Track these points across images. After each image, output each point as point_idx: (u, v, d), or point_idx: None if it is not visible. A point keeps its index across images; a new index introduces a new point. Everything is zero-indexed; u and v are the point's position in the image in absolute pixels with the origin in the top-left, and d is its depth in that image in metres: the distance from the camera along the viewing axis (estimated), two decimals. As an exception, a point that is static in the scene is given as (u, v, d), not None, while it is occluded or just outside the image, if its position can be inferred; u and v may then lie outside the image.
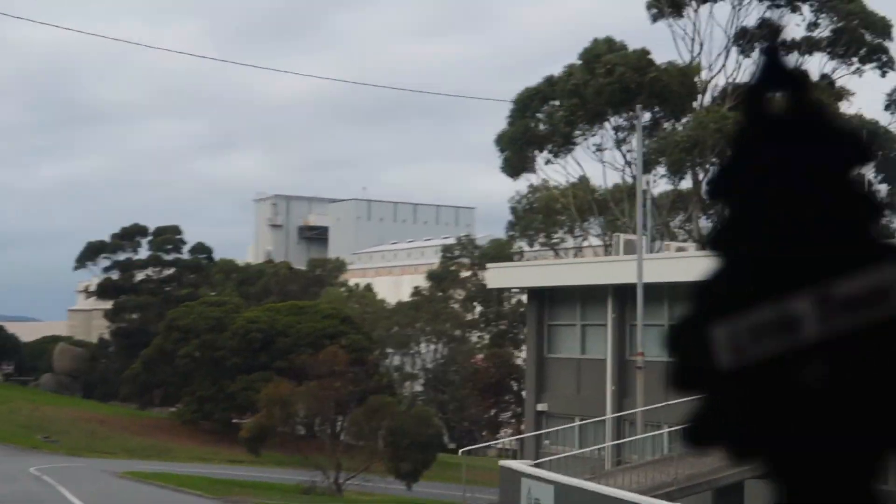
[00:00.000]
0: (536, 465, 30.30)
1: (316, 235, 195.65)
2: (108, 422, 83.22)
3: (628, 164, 65.13)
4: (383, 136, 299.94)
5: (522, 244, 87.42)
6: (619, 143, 65.66)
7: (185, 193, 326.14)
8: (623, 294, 39.08)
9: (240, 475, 58.93)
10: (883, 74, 61.90)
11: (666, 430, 31.61)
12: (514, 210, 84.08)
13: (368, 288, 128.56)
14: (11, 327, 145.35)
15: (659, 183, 64.45)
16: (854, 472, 1.11)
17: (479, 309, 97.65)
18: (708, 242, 1.22)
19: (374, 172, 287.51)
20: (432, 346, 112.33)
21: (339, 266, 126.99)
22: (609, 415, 37.69)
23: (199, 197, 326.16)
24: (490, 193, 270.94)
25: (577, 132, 65.61)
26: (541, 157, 65.28)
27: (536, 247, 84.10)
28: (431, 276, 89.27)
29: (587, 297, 41.82)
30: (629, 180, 63.93)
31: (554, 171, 70.69)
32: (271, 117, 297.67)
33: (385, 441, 41.11)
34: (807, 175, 1.15)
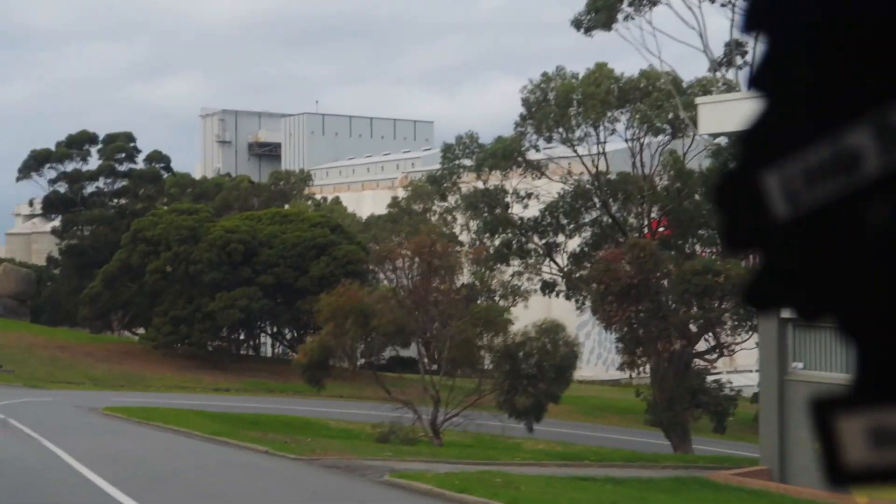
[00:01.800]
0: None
1: (267, 152, 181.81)
2: (67, 348, 70.33)
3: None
4: (326, 56, 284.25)
5: (537, 141, 75.84)
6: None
7: (123, 119, 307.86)
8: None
9: (261, 409, 47.10)
10: None
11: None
12: (525, 102, 71.74)
13: (337, 201, 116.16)
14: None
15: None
16: None
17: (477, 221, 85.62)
18: (749, 83, 1.02)
19: (320, 94, 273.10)
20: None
21: (304, 179, 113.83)
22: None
23: (136, 123, 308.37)
24: (437, 115, 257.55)
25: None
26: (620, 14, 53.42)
27: (554, 144, 72.29)
28: (430, 179, 76.66)
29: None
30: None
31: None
32: (208, 41, 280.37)
33: (495, 366, 29.42)
34: None
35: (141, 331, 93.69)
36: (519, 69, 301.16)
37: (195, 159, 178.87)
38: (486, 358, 29.86)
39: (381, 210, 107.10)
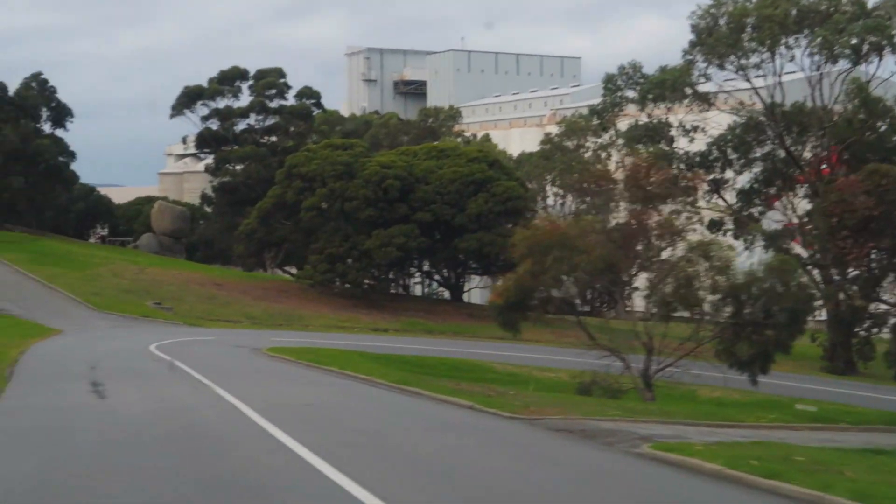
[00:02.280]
0: None
1: (412, 90, 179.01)
2: (224, 286, 68.81)
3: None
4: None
5: (707, 69, 70.64)
6: None
7: (266, 62, 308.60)
8: None
9: (422, 350, 44.28)
10: None
11: None
12: (695, 28, 66.32)
13: (487, 139, 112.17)
14: (102, 192, 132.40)
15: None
16: None
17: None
18: None
19: (465, 31, 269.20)
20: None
21: (454, 115, 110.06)
22: None
23: (281, 62, 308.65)
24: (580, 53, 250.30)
25: None
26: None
27: (726, 73, 66.94)
28: (592, 111, 72.16)
29: None
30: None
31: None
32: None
33: (716, 310, 25.44)
34: None
35: (293, 269, 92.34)
36: (663, 5, 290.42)
37: (340, 99, 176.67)
38: (705, 301, 25.86)
39: (529, 148, 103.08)
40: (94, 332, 43.40)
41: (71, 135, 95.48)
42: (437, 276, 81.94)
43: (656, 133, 75.67)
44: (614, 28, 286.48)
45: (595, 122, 74.16)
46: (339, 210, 67.70)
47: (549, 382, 35.61)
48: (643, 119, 75.48)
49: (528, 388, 27.31)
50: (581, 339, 28.20)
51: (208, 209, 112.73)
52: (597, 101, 79.55)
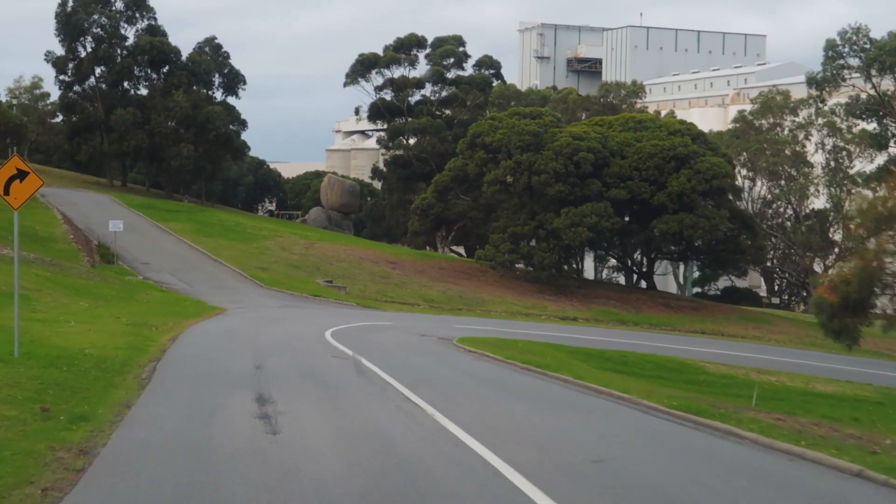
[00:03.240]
0: None
1: (587, 68, 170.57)
2: (399, 264, 62.59)
3: None
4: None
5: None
6: None
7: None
8: None
9: (620, 344, 36.75)
10: None
11: None
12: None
13: (672, 115, 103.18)
14: (271, 167, 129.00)
15: None
16: None
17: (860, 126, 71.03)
18: None
19: (642, 6, 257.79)
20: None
21: (637, 91, 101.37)
22: None
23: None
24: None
25: None
26: None
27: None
28: (810, 81, 62.92)
29: None
30: None
31: None
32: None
33: None
34: None
35: (461, 250, 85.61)
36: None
37: (512, 76, 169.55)
38: None
39: (711, 127, 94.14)
40: (260, 313, 37.40)
41: (242, 107, 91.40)
42: (622, 261, 73.95)
43: (882, 107, 66.11)
44: (794, 8, 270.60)
45: (814, 93, 64.82)
46: (526, 185, 60.50)
47: (773, 388, 28.21)
48: (865, 93, 66.00)
49: (751, 395, 20.36)
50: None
51: (377, 185, 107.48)
52: (785, 80, 70.10)
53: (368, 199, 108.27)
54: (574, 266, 71.80)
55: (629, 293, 65.60)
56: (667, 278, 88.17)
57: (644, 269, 71.22)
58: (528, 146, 60.71)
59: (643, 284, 71.27)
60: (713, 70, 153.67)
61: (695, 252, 68.03)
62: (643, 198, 60.91)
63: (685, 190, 60.19)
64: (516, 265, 62.90)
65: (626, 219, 64.29)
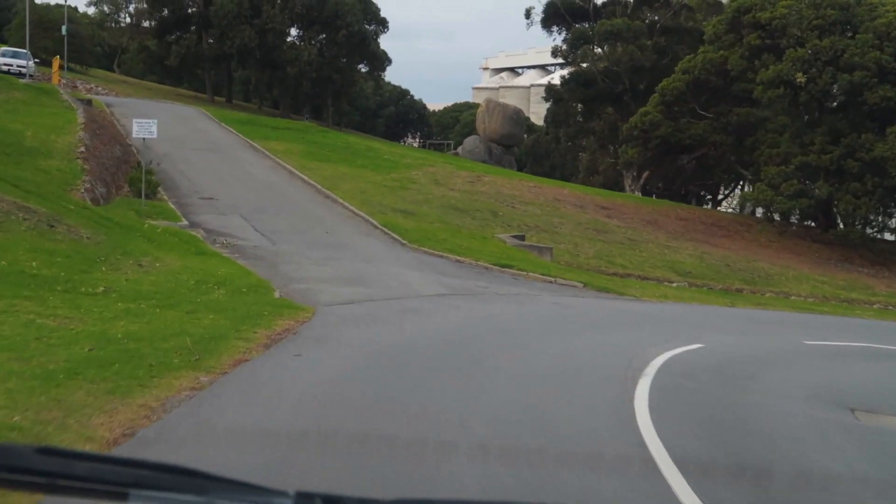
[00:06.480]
0: None
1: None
2: (615, 210, 38.80)
3: None
4: None
5: None
6: None
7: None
8: None
9: None
10: None
11: None
12: None
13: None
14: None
15: None
16: None
17: None
18: None
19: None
20: None
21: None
22: None
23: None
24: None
25: None
26: None
27: None
28: None
29: None
30: None
31: None
32: None
33: None
34: None
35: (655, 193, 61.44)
36: None
37: None
38: None
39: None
40: (403, 322, 14.49)
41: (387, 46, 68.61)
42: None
43: None
44: None
45: None
46: (827, 87, 36.03)
47: None
48: None
49: None
50: None
51: (540, 115, 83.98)
52: None
53: (525, 136, 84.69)
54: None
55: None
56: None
57: None
58: (831, 26, 36.09)
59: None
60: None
61: None
62: None
63: None
64: (800, 220, 38.62)
65: None
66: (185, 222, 24.75)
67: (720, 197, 65.65)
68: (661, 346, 15.16)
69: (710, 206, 61.18)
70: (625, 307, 21.83)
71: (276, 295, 15.85)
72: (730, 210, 54.22)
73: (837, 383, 13.66)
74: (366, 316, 14.84)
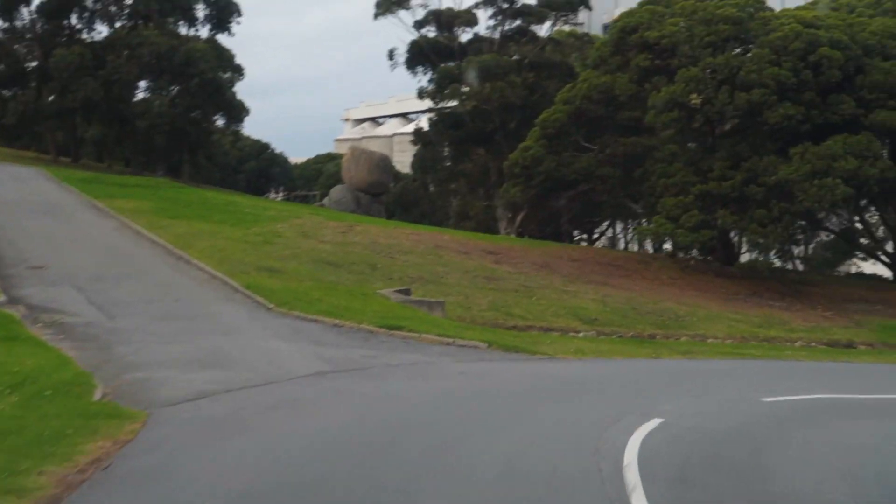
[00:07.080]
0: None
1: None
2: (502, 254, 35.24)
3: None
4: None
5: None
6: None
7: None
8: None
9: None
10: None
11: None
12: None
13: None
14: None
15: None
16: None
17: None
18: None
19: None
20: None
21: None
22: None
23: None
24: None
25: None
26: None
27: None
28: None
29: None
30: None
31: None
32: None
33: None
34: None
35: (582, 235, 58.50)
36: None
37: None
38: None
39: None
40: (264, 430, 10.30)
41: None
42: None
43: None
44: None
45: None
46: (724, 107, 33.37)
47: None
48: None
49: None
50: None
51: (404, 162, 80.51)
52: None
53: (391, 184, 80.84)
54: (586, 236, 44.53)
55: (888, 291, 38.28)
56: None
57: None
58: (724, 42, 33.59)
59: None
60: None
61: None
62: None
63: None
64: (710, 250, 35.81)
65: None
66: (2, 298, 20.09)
67: (594, 236, 63.03)
68: (614, 426, 11.45)
69: (586, 245, 58.37)
70: (543, 370, 18.11)
71: (97, 395, 11.51)
72: (618, 248, 51.40)
73: (872, 463, 10.15)
74: (222, 420, 10.66)
